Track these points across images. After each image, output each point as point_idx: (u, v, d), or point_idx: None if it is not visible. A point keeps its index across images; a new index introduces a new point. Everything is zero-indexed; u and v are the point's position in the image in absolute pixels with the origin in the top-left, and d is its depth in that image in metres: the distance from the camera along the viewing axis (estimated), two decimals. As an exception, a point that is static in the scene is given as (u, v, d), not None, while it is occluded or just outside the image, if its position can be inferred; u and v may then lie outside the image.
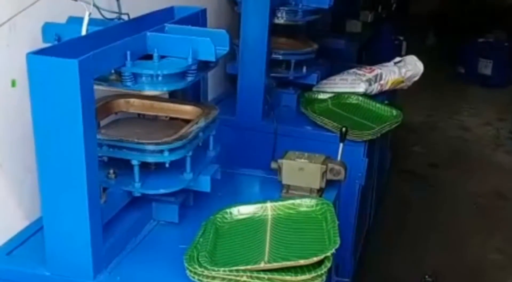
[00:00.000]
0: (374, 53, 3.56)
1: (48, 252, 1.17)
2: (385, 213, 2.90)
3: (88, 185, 1.09)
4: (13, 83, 1.30)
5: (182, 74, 1.24)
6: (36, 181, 1.15)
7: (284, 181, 1.54)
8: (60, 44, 1.17)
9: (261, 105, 2.14)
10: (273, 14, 2.12)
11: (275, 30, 2.15)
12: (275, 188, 1.57)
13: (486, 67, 5.25)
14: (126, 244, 1.29)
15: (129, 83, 1.19)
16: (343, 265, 2.06)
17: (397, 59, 2.56)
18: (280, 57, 2.24)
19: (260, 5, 2.03)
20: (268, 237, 1.27)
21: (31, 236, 1.31)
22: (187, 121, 1.40)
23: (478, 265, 2.51)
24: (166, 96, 1.55)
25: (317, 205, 1.37)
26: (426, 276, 2.38)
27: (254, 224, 1.34)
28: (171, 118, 1.48)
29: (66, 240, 1.14)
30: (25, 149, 1.29)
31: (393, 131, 2.20)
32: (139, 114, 1.50)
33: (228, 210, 1.36)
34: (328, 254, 1.14)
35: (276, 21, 2.19)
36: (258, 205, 1.38)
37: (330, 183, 1.54)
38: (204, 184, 1.37)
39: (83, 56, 1.03)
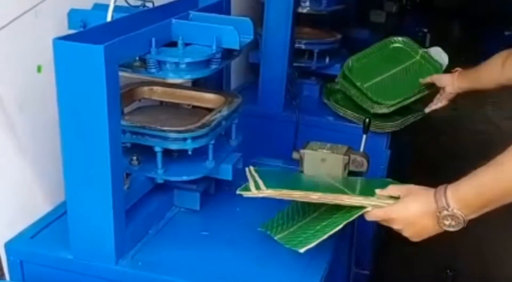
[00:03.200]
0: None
1: (72, 236, 1.18)
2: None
3: (112, 171, 1.10)
4: (39, 69, 1.31)
5: (206, 62, 1.24)
6: (60, 167, 1.16)
7: (306, 172, 1.53)
8: (86, 30, 1.18)
9: (283, 94, 2.13)
10: (297, 3, 2.11)
11: (298, 19, 2.14)
12: (296, 178, 1.57)
13: (511, 61, 5.16)
14: (148, 230, 1.30)
15: (153, 70, 1.19)
16: (363, 257, 2.05)
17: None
18: (303, 46, 2.22)
19: (284, -7, 2.02)
20: None
21: (55, 220, 1.32)
22: (210, 110, 1.40)
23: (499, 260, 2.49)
24: (189, 84, 1.55)
25: None
26: (448, 271, 2.36)
27: None
28: (194, 107, 1.49)
29: (89, 225, 1.15)
30: (49, 135, 1.30)
31: (417, 124, 2.17)
32: (161, 102, 1.51)
33: None
34: None
35: (300, 10, 2.17)
36: None
37: (352, 175, 1.53)
38: (226, 172, 1.37)
39: (108, 42, 1.03)
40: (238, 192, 1.19)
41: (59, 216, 1.32)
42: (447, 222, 1.04)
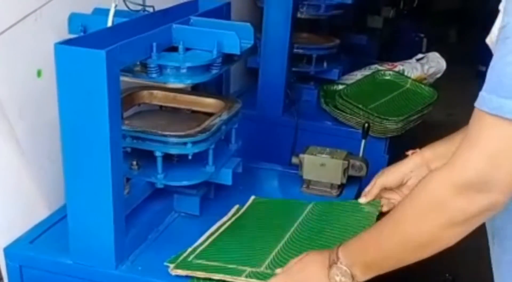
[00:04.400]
0: (394, 50, 3.53)
1: (71, 241, 1.18)
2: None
3: (113, 175, 1.10)
4: (39, 73, 1.31)
5: (207, 67, 1.24)
6: (59, 170, 1.16)
7: (305, 176, 1.53)
8: (87, 35, 1.18)
9: (282, 99, 2.13)
10: (296, 8, 2.11)
11: (297, 24, 2.14)
12: (296, 183, 1.57)
13: (507, 66, 5.16)
14: (147, 235, 1.30)
15: (154, 75, 1.19)
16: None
17: (420, 55, 2.53)
18: (301, 51, 2.23)
19: (283, -1, 2.02)
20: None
21: (54, 225, 1.32)
22: (209, 114, 1.40)
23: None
24: (189, 89, 1.55)
25: None
26: (447, 275, 2.36)
27: None
28: (193, 111, 1.49)
29: (89, 229, 1.15)
30: (49, 138, 1.30)
31: (415, 129, 2.18)
32: (161, 107, 1.50)
33: None
34: None
35: (299, 15, 2.18)
36: None
37: (351, 180, 1.54)
38: (226, 177, 1.37)
39: (110, 47, 1.04)
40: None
41: (58, 221, 1.32)
42: (337, 278, 1.04)
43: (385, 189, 1.37)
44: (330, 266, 1.05)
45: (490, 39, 1.00)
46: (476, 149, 0.87)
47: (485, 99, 0.86)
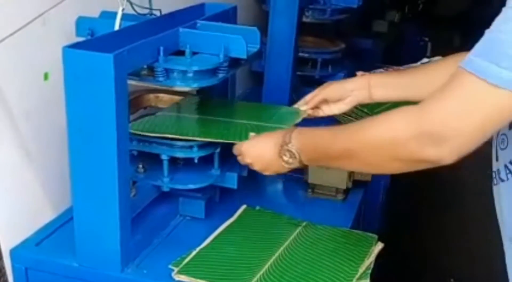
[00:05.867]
0: (399, 54, 3.53)
1: (77, 243, 1.18)
2: (408, 214, 2.87)
3: (119, 178, 1.10)
4: (46, 76, 1.31)
5: (213, 71, 1.25)
6: (65, 174, 1.17)
7: (310, 180, 1.53)
8: (94, 38, 1.18)
9: (287, 103, 2.12)
10: (302, 12, 2.11)
11: (302, 28, 2.14)
12: (301, 187, 1.57)
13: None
14: (153, 238, 1.30)
15: (161, 79, 1.20)
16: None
17: (425, 60, 2.53)
18: (306, 55, 2.23)
19: (289, 3, 2.02)
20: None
21: (60, 227, 1.32)
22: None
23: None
24: (194, 92, 1.56)
25: None
26: (452, 280, 2.36)
27: None
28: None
29: (95, 232, 1.16)
30: (56, 142, 1.31)
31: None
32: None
33: None
34: None
35: (304, 19, 2.18)
36: None
37: (356, 184, 1.54)
38: (231, 180, 1.37)
39: (118, 51, 1.04)
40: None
41: (64, 223, 1.32)
42: (285, 158, 1.13)
43: (325, 100, 1.43)
44: (281, 146, 1.13)
45: None
46: (448, 103, 0.88)
47: (472, 61, 0.87)
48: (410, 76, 1.40)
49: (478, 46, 0.88)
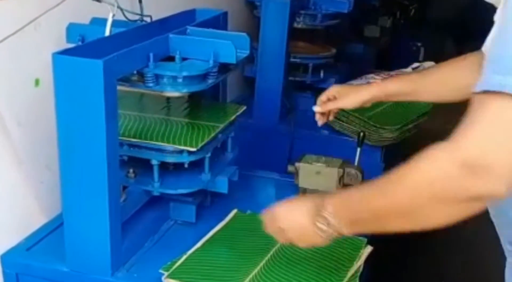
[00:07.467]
0: (391, 59, 3.55)
1: (68, 248, 1.19)
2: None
3: (109, 184, 1.11)
4: (37, 82, 1.32)
5: (203, 76, 1.26)
6: (56, 179, 1.17)
7: (301, 184, 1.54)
8: (84, 44, 1.19)
9: (279, 108, 2.15)
10: (293, 18, 2.13)
11: (293, 34, 2.16)
12: (291, 191, 1.58)
13: (504, 75, 5.18)
14: (144, 242, 1.31)
15: (151, 84, 1.21)
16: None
17: (415, 64, 2.55)
18: (298, 60, 2.25)
19: (280, 9, 2.04)
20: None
21: (51, 232, 1.33)
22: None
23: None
24: (185, 98, 1.56)
25: None
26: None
27: None
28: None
29: (85, 237, 1.16)
30: (46, 146, 1.31)
31: (411, 137, 2.19)
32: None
33: None
34: None
35: (296, 25, 2.20)
36: None
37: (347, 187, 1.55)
38: (222, 185, 1.38)
39: (107, 57, 1.05)
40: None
41: (55, 229, 1.33)
42: (319, 224, 0.99)
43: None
44: (316, 214, 1.00)
45: (486, 48, 1.00)
46: (484, 129, 0.79)
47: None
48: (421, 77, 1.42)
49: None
